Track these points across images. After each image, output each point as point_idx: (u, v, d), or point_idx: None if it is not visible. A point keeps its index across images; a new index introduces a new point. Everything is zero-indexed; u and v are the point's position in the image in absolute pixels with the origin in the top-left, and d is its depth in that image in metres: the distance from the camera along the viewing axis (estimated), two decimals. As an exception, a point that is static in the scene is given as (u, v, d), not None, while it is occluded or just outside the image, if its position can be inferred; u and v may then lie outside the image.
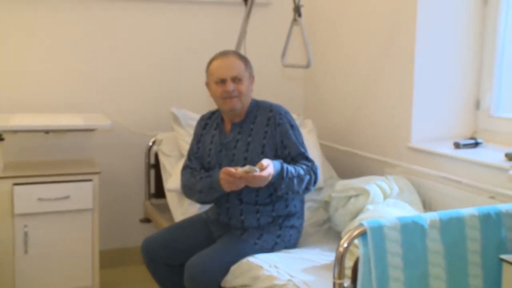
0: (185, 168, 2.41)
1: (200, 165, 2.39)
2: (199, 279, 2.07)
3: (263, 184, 2.08)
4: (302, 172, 2.19)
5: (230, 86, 2.25)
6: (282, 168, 2.14)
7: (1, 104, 2.97)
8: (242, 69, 2.29)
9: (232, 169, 2.09)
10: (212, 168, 2.33)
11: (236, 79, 2.26)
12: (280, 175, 2.13)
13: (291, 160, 2.26)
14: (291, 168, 2.16)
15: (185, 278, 2.12)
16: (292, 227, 2.32)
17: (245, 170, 2.05)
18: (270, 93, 3.10)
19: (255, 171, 2.04)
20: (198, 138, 2.43)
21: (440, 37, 2.62)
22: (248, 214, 2.27)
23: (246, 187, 2.15)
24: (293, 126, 2.31)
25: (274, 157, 2.24)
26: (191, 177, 2.34)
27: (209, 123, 2.43)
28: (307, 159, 2.28)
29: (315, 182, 2.25)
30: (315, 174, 2.25)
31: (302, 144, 2.31)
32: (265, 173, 2.05)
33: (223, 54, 2.34)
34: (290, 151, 2.27)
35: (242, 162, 2.24)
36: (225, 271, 2.13)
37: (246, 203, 2.27)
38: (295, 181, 2.17)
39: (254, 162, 2.16)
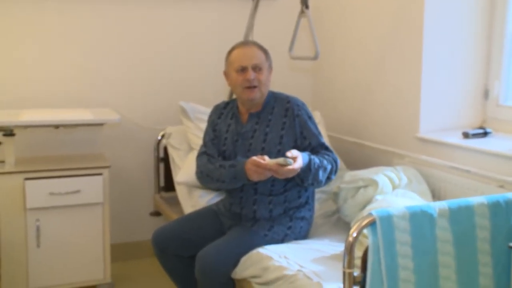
0: (201, 154, 2.41)
1: (218, 151, 2.39)
2: (210, 270, 2.09)
3: (291, 175, 2.09)
4: (325, 162, 2.22)
5: (251, 74, 2.26)
6: (309, 159, 2.16)
7: (12, 100, 2.99)
8: (263, 59, 2.30)
9: (261, 160, 2.09)
10: (227, 157, 2.34)
11: (256, 68, 2.28)
12: (308, 167, 2.14)
13: (311, 150, 2.27)
14: (316, 159, 2.18)
15: (196, 269, 2.13)
16: (302, 218, 2.33)
17: (279, 162, 2.04)
18: (278, 85, 3.08)
19: (290, 164, 2.04)
20: (213, 126, 2.44)
21: (448, 26, 2.61)
22: (260, 204, 2.28)
23: None
24: (310, 118, 2.33)
25: (292, 147, 2.24)
26: (208, 163, 2.33)
27: (224, 113, 2.44)
28: (327, 149, 2.30)
29: (335, 171, 2.28)
30: (336, 163, 2.28)
31: (320, 134, 2.33)
32: (297, 165, 2.06)
33: (244, 43, 2.37)
34: (311, 141, 2.29)
35: (259, 152, 2.25)
36: (236, 262, 2.14)
37: (260, 194, 2.28)
38: (320, 171, 2.19)
39: (271, 153, 2.19)
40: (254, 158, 2.11)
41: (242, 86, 2.28)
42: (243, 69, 2.28)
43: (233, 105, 2.43)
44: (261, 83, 2.28)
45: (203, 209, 2.51)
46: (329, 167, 2.23)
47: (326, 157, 2.25)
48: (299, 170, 2.09)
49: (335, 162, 2.28)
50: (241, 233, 2.24)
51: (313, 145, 2.29)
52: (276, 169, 2.06)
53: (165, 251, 2.37)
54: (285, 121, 2.30)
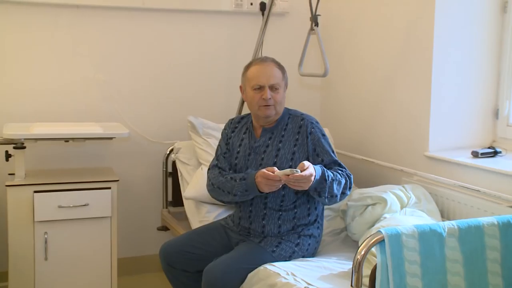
0: (213, 167, 2.42)
1: (229, 165, 2.40)
2: (217, 285, 2.08)
3: (306, 186, 2.08)
4: (339, 176, 2.21)
5: (268, 94, 2.27)
6: (323, 171, 2.15)
7: (22, 114, 3.02)
8: (280, 78, 2.31)
9: (270, 172, 2.10)
10: (239, 171, 2.35)
11: (273, 88, 2.29)
12: (322, 178, 2.14)
13: (324, 167, 2.26)
14: (330, 173, 2.18)
15: (202, 283, 2.13)
16: (311, 236, 2.32)
17: (286, 173, 2.06)
18: (287, 101, 3.08)
19: (296, 172, 2.05)
20: (226, 139, 2.45)
21: (458, 45, 2.62)
22: (270, 220, 2.28)
23: (273, 192, 2.18)
24: (324, 135, 2.34)
25: None
26: (219, 176, 2.34)
27: (238, 127, 2.46)
28: (340, 165, 2.30)
29: (350, 186, 2.27)
30: (350, 178, 2.27)
31: (333, 152, 2.34)
32: (306, 172, 2.05)
33: (263, 60, 2.36)
34: (323, 158, 2.29)
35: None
36: (243, 278, 2.14)
37: (270, 208, 2.28)
38: (335, 185, 2.18)
39: (283, 168, 2.18)
40: (263, 170, 2.12)
41: (258, 104, 2.29)
42: (261, 88, 2.29)
43: (247, 120, 2.45)
44: (277, 103, 2.29)
45: (211, 224, 2.51)
46: (343, 181, 2.22)
47: (340, 172, 2.25)
48: (312, 179, 2.08)
49: (349, 177, 2.27)
50: (249, 249, 2.24)
51: (326, 162, 2.28)
52: (287, 180, 2.06)
53: (172, 265, 2.37)
54: (298, 137, 2.31)
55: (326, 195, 2.17)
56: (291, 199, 2.27)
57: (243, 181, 2.21)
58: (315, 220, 2.34)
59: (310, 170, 2.07)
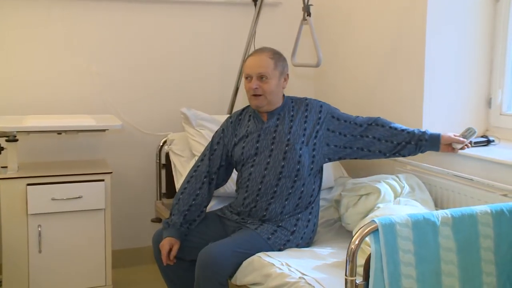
0: (192, 169, 2.48)
1: (218, 162, 2.44)
2: (212, 266, 2.09)
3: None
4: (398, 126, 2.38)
5: (254, 83, 2.31)
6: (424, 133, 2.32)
7: (14, 106, 3.00)
8: (270, 67, 2.32)
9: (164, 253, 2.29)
10: (246, 155, 2.36)
11: (261, 77, 2.31)
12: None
13: (350, 123, 2.37)
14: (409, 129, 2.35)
15: (197, 265, 2.13)
16: (307, 225, 2.34)
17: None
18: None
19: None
20: (222, 134, 2.47)
21: (450, 34, 2.62)
22: (278, 199, 2.30)
23: (289, 167, 2.27)
24: (336, 109, 2.43)
25: (314, 138, 2.33)
26: (189, 192, 2.41)
27: (241, 118, 2.49)
28: (370, 118, 2.40)
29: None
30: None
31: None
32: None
33: (258, 51, 2.40)
34: (345, 119, 2.38)
35: (285, 143, 2.31)
36: (238, 262, 2.15)
37: (281, 186, 2.30)
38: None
39: (296, 143, 2.29)
40: (162, 244, 2.30)
41: (249, 94, 2.35)
42: (249, 78, 2.33)
43: (248, 110, 2.48)
44: (265, 92, 2.31)
45: (206, 214, 2.50)
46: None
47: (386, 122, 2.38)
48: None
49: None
50: (245, 235, 2.26)
51: (360, 123, 2.37)
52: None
53: None
54: (307, 115, 2.36)
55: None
56: (306, 171, 2.32)
57: (166, 222, 2.37)
58: (314, 201, 2.38)
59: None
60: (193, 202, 2.38)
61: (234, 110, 3.23)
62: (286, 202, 2.31)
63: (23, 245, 2.65)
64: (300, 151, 2.30)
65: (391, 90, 2.86)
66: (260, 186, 2.32)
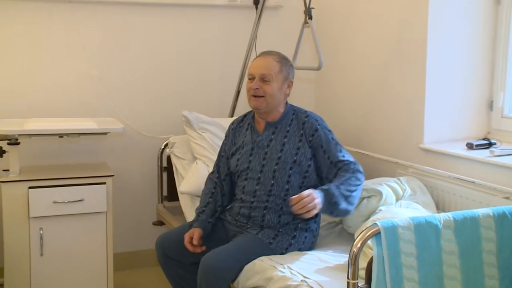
0: (208, 177, 2.55)
1: (225, 169, 2.47)
2: (213, 274, 2.08)
3: (314, 210, 2.05)
4: (346, 188, 2.17)
5: (255, 84, 2.30)
6: (330, 194, 2.12)
7: (16, 110, 3.00)
8: (275, 70, 2.31)
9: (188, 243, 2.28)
10: (240, 167, 2.37)
11: (264, 79, 2.30)
12: (329, 202, 2.12)
13: (330, 163, 2.27)
14: (336, 192, 2.14)
15: (199, 272, 2.13)
16: (307, 230, 2.32)
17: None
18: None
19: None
20: (225, 140, 2.52)
21: (452, 37, 2.62)
22: (271, 209, 2.29)
23: (278, 182, 2.26)
24: (330, 131, 2.36)
25: (309, 159, 2.29)
26: (206, 192, 2.48)
27: (241, 125, 2.49)
28: (349, 162, 2.27)
29: (361, 181, 2.26)
30: (356, 173, 2.24)
31: (341, 147, 2.33)
32: (305, 192, 2.05)
33: (265, 53, 2.40)
34: (329, 156, 2.29)
35: (275, 161, 2.28)
36: (240, 268, 2.15)
37: (273, 195, 2.29)
38: (345, 202, 2.16)
39: (287, 163, 2.25)
40: (188, 238, 2.29)
41: (249, 94, 2.34)
42: (251, 78, 2.33)
43: (250, 116, 2.48)
44: (266, 94, 2.30)
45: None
46: (353, 188, 2.19)
47: (353, 179, 2.21)
48: (315, 196, 2.06)
49: (360, 172, 2.25)
50: (246, 240, 2.25)
51: (332, 160, 2.28)
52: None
53: (168, 255, 2.36)
54: (302, 133, 2.32)
55: (345, 211, 2.17)
56: (295, 191, 2.26)
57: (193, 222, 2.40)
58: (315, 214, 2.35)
59: (308, 191, 2.07)
60: (210, 200, 2.44)
61: (236, 113, 3.24)
62: (281, 212, 2.30)
63: (25, 248, 2.65)
64: (290, 171, 2.27)
65: (392, 93, 2.86)
66: (252, 200, 2.32)
